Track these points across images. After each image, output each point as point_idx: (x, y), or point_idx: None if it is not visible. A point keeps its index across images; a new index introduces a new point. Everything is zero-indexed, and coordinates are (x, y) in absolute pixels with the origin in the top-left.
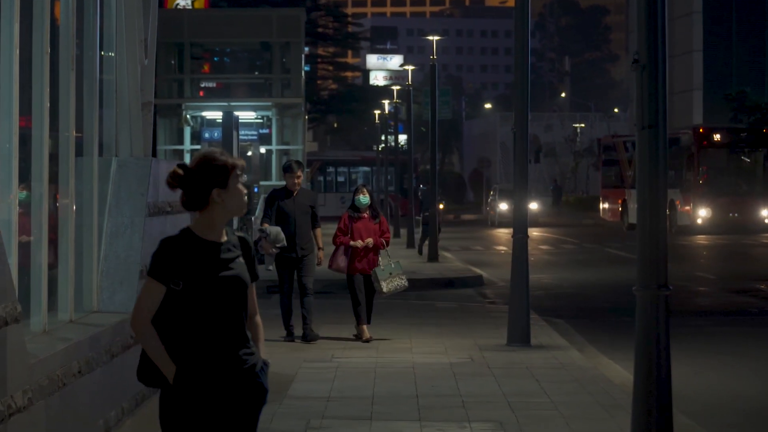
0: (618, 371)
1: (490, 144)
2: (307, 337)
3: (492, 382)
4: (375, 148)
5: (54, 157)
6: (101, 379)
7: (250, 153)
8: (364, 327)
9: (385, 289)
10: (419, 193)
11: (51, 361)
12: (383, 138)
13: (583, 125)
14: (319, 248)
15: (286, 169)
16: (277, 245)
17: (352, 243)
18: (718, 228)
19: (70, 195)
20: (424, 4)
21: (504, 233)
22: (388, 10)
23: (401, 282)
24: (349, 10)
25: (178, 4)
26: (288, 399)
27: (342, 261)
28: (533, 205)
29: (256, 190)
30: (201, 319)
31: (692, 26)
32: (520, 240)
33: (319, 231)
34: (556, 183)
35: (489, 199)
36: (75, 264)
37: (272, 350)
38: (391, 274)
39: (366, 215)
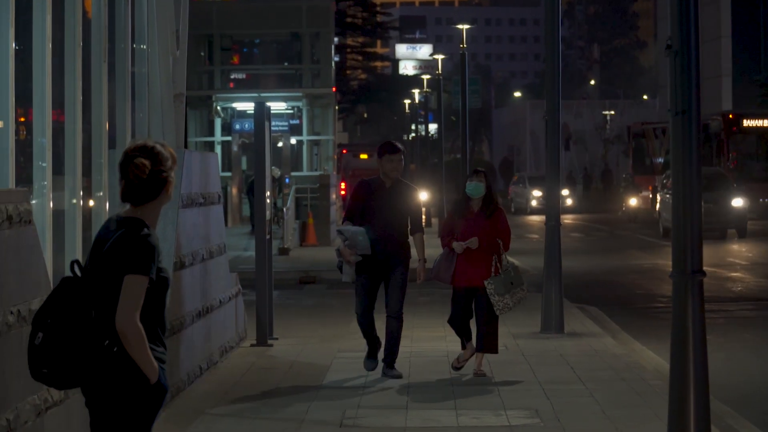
0: (652, 357)
1: (520, 132)
2: (386, 373)
3: (527, 370)
4: (405, 137)
5: (87, 150)
6: None
7: (280, 144)
8: (467, 348)
9: (500, 304)
10: None
11: None
12: (413, 127)
13: (612, 112)
14: (420, 259)
15: (385, 150)
16: (359, 252)
17: (453, 245)
18: (749, 213)
19: (103, 188)
20: None
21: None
22: None
23: (522, 295)
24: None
25: None
26: (323, 389)
27: (444, 269)
28: None
29: (287, 180)
30: (153, 316)
31: (720, 12)
32: (552, 227)
33: (421, 237)
34: (586, 171)
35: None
36: None
37: (305, 339)
38: (512, 284)
39: (477, 210)
